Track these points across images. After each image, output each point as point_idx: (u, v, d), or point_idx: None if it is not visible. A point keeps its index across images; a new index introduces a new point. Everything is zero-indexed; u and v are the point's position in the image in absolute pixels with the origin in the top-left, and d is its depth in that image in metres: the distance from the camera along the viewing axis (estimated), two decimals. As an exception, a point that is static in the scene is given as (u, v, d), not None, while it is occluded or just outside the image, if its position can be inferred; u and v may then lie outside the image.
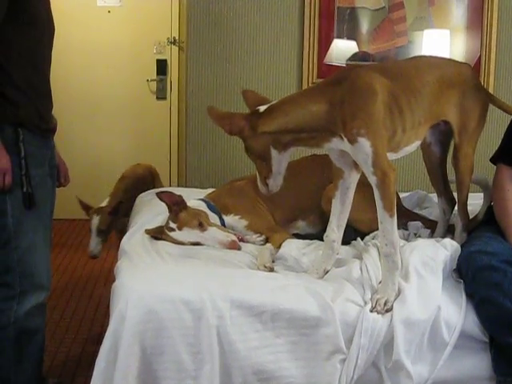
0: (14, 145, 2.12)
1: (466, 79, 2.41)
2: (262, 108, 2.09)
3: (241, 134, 2.08)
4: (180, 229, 2.47)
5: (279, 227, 2.67)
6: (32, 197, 2.15)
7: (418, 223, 2.67)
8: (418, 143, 2.31)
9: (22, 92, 2.13)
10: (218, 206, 2.65)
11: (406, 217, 2.71)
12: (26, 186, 2.14)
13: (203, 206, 2.62)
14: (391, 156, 2.18)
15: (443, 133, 2.50)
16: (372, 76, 2.12)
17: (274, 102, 2.12)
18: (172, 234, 2.48)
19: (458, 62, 2.49)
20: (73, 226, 5.14)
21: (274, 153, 2.10)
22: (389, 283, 2.07)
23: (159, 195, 2.54)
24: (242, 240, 2.53)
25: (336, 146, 2.11)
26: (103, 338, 1.96)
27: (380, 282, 2.12)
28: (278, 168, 2.13)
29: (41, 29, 2.18)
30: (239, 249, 2.44)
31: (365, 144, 2.03)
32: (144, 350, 1.94)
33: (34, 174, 2.17)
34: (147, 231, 2.53)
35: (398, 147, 2.21)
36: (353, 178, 2.25)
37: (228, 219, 2.64)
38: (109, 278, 3.25)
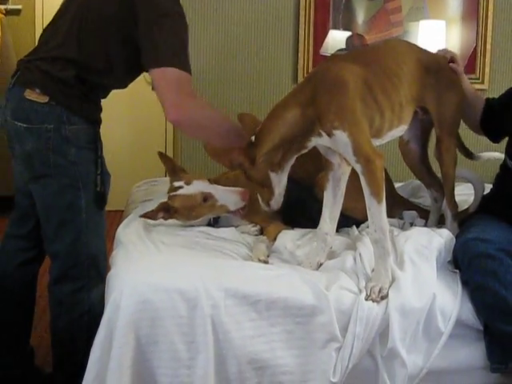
0: (93, 142, 2.22)
1: (443, 68, 2.41)
2: (253, 138, 2.10)
3: (241, 167, 2.11)
4: (188, 184, 2.43)
5: (274, 218, 2.65)
6: (104, 196, 2.24)
7: (414, 213, 2.67)
8: (403, 127, 2.30)
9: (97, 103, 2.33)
10: (213, 196, 2.63)
11: (402, 206, 2.71)
12: (99, 185, 2.22)
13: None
14: (376, 142, 2.18)
15: (420, 129, 2.51)
16: (341, 66, 2.12)
17: (259, 126, 2.12)
18: (180, 191, 2.42)
19: (433, 52, 2.50)
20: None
21: (273, 176, 2.12)
22: (381, 270, 2.07)
23: (160, 154, 2.58)
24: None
25: (317, 143, 2.13)
26: (98, 327, 1.95)
27: (373, 270, 2.12)
28: (279, 189, 2.15)
29: None
30: (245, 207, 2.42)
31: (341, 136, 2.03)
32: (138, 340, 1.94)
33: (105, 173, 2.25)
34: (142, 215, 2.49)
35: (380, 132, 2.20)
36: (343, 169, 2.25)
37: (223, 209, 2.62)
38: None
